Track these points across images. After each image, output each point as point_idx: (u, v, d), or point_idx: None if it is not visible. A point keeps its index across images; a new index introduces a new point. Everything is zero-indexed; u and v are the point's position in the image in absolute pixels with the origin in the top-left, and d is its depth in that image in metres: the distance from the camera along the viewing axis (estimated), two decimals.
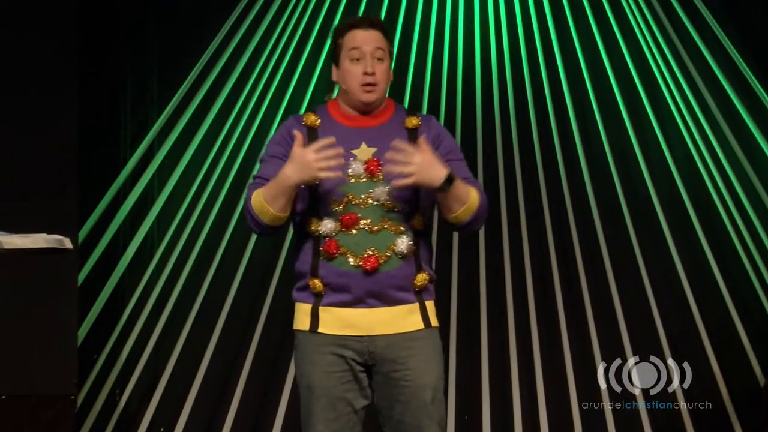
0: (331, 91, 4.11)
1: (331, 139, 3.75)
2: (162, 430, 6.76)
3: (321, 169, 3.71)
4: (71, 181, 6.50)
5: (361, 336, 3.87)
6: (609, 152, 6.97)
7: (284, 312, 6.87)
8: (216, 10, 6.95)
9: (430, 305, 3.97)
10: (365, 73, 3.87)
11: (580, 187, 6.96)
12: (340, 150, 3.74)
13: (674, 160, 6.94)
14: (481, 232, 6.90)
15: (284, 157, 3.84)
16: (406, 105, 6.81)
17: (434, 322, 3.96)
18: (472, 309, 6.86)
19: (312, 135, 3.89)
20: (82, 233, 6.63)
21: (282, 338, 6.77)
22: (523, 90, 7.05)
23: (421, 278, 3.91)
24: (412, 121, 3.96)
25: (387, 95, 4.00)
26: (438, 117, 6.91)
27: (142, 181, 6.87)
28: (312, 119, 3.93)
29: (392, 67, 3.99)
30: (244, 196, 3.99)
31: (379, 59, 3.89)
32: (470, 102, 7.04)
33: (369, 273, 3.82)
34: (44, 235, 3.72)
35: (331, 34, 4.00)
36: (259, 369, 6.80)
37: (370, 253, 3.83)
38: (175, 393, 6.76)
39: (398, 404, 3.88)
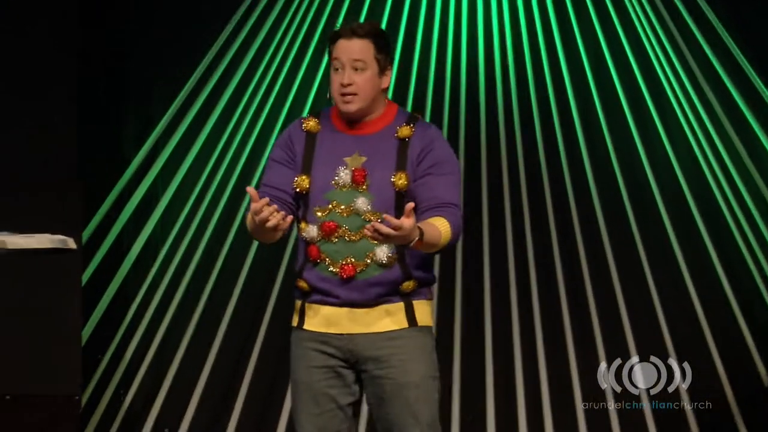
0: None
1: (265, 201, 3.71)
2: (166, 430, 6.76)
3: (264, 221, 3.69)
4: (75, 182, 6.50)
5: (341, 334, 3.91)
6: (612, 152, 6.96)
7: (288, 311, 6.90)
8: (220, 9, 6.94)
9: (419, 304, 3.95)
10: (341, 84, 3.88)
11: (584, 186, 6.95)
12: (272, 209, 3.69)
13: (678, 160, 6.92)
14: (486, 233, 6.89)
15: (286, 162, 3.92)
16: (409, 108, 6.84)
17: (423, 321, 3.95)
18: (475, 309, 6.85)
19: (310, 140, 3.93)
20: (86, 233, 6.63)
21: (286, 338, 6.76)
22: (526, 89, 7.03)
23: (408, 285, 3.91)
24: (404, 131, 3.93)
25: (390, 99, 4.01)
26: (440, 119, 6.92)
27: (146, 181, 6.87)
28: (312, 125, 3.96)
29: (392, 72, 3.98)
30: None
31: (358, 69, 3.87)
32: (474, 100, 7.02)
33: (346, 281, 3.86)
34: (48, 236, 3.73)
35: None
36: (264, 369, 6.79)
37: (349, 261, 3.85)
38: (180, 393, 6.75)
39: (383, 402, 3.90)
